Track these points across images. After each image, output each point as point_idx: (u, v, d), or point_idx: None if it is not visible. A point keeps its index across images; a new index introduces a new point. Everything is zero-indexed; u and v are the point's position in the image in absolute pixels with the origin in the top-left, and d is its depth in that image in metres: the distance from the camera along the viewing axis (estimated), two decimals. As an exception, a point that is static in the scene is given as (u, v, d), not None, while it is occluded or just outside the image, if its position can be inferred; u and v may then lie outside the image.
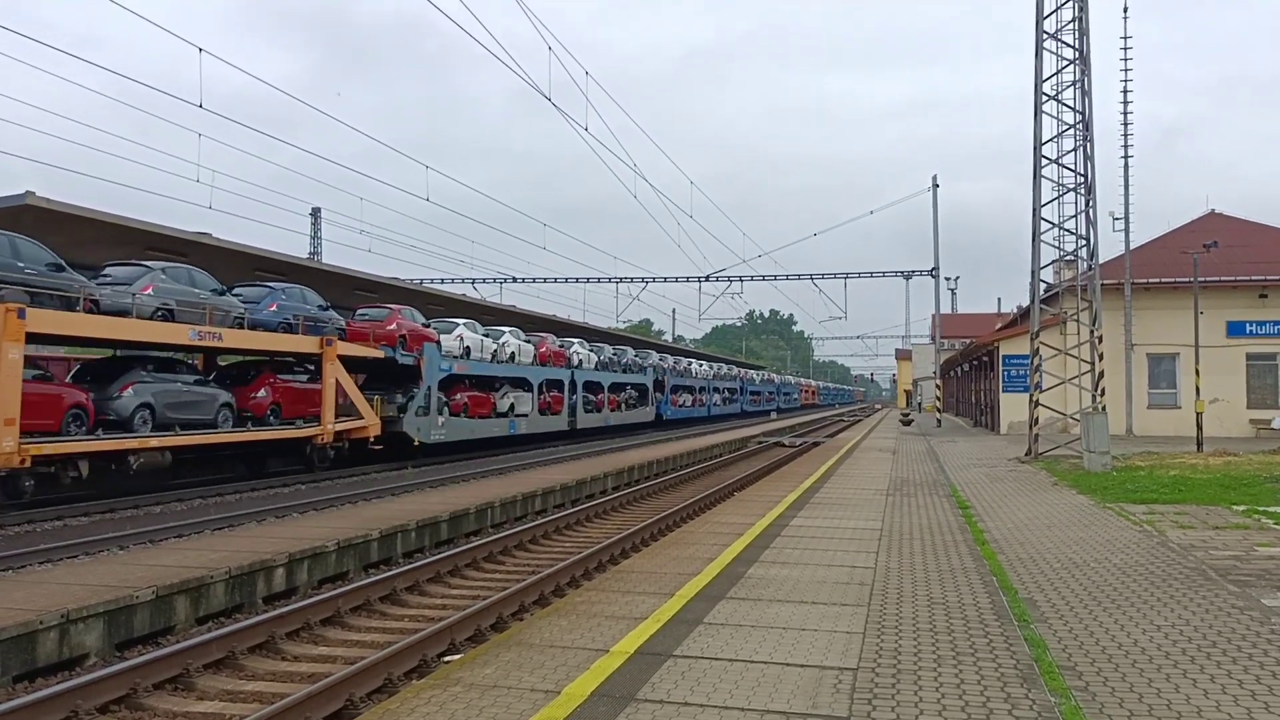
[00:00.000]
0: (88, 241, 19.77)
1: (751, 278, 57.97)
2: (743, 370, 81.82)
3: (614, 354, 45.22)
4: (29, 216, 17.77)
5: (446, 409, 27.60)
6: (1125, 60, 35.30)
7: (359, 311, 26.83)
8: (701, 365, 65.11)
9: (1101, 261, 26.12)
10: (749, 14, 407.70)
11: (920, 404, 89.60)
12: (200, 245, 21.71)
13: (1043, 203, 25.10)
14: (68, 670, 8.18)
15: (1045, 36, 24.98)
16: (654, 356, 52.10)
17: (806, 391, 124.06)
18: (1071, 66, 24.83)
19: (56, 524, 14.68)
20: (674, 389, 55.60)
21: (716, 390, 67.52)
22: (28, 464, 14.78)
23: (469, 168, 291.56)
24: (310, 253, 58.06)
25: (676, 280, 59.16)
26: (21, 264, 15.80)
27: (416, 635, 8.66)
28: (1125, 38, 35.09)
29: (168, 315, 18.60)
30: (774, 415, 78.99)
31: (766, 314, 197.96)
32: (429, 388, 26.33)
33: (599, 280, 59.85)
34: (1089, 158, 24.68)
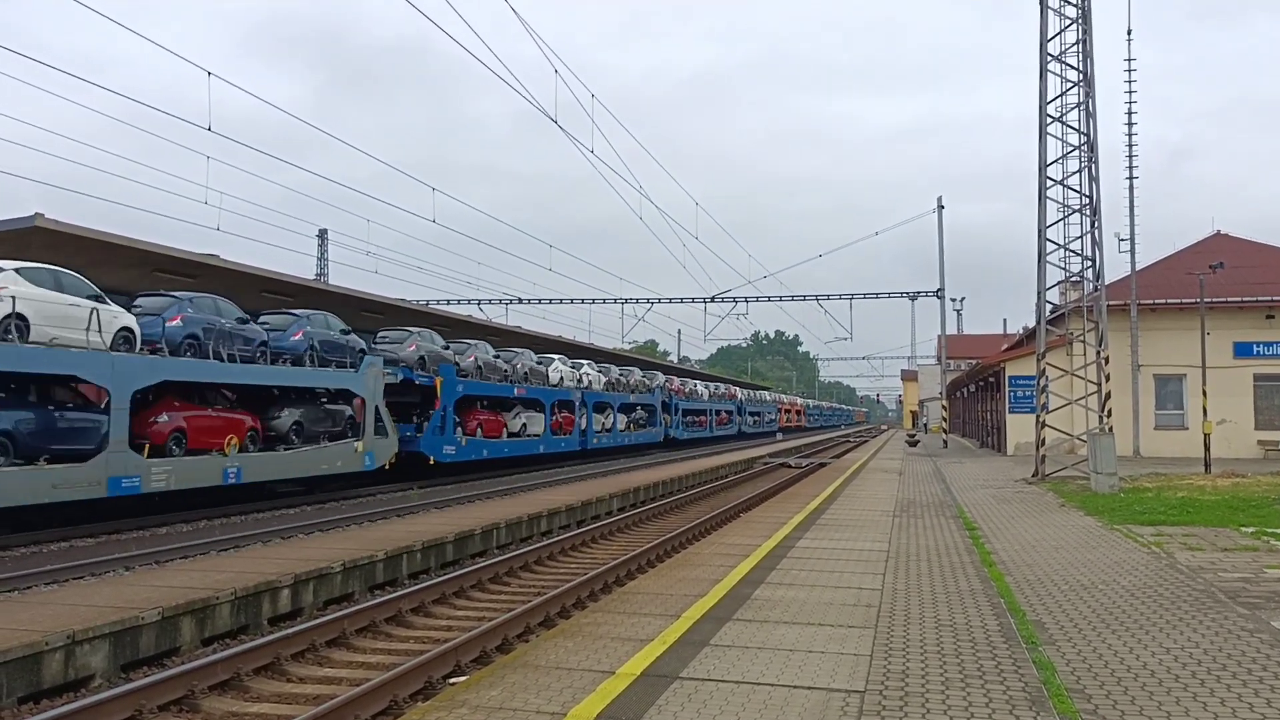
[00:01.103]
0: (96, 263, 19.87)
1: (757, 298, 58.14)
2: (676, 380, 55.44)
3: (237, 323, 20.22)
4: (38, 239, 17.87)
5: None
6: (1129, 82, 35.44)
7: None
8: (581, 366, 39.73)
9: (1107, 282, 26.11)
10: (754, 38, 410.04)
11: (926, 425, 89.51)
12: (208, 267, 21.80)
13: (1048, 224, 25.16)
14: (73, 691, 8.16)
15: (1049, 59, 25.11)
16: (413, 341, 27.65)
17: (788, 411, 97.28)
18: (1075, 89, 24.95)
19: (63, 545, 14.69)
20: (473, 403, 30.01)
21: (609, 407, 41.51)
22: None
23: (475, 190, 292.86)
24: (317, 274, 58.36)
25: (682, 301, 59.40)
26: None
27: (422, 657, 8.63)
28: (1129, 60, 35.25)
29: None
30: (780, 437, 78.29)
31: (772, 335, 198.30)
32: None
33: (605, 301, 60.05)
34: (1094, 179, 24.75)
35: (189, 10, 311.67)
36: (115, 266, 20.19)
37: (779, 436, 78.66)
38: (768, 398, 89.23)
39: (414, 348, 27.20)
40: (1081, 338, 25.91)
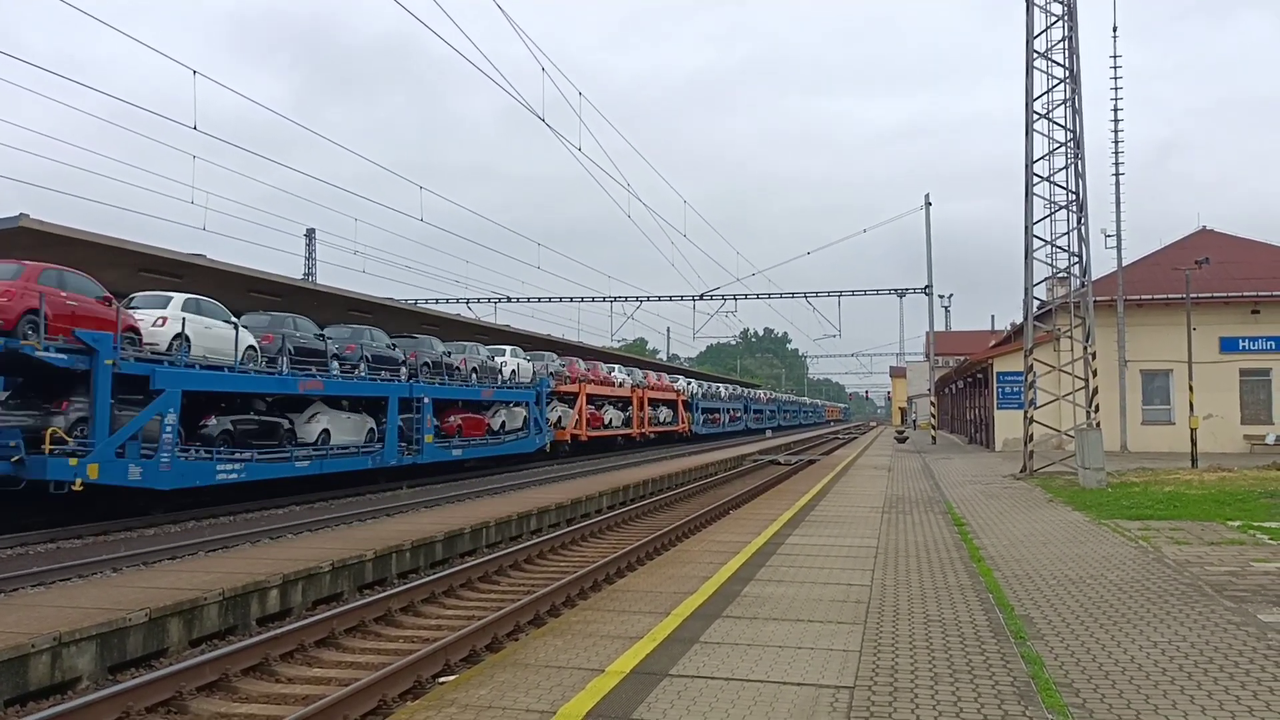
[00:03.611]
0: (81, 264, 19.75)
1: (745, 296, 58.15)
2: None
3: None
4: (23, 239, 17.77)
5: None
6: (1115, 80, 35.56)
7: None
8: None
9: (1094, 278, 26.21)
10: (751, 38, 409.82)
11: (915, 421, 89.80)
12: (195, 267, 21.71)
13: (1035, 220, 25.24)
14: (60, 694, 8.12)
15: (1036, 56, 25.17)
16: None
17: (615, 399, 46.23)
18: (1062, 85, 25.02)
19: (50, 546, 14.60)
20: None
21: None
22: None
23: (463, 189, 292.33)
24: (305, 274, 58.10)
25: (671, 299, 59.33)
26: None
27: (411, 656, 8.62)
28: (1115, 57, 35.37)
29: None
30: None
31: (761, 332, 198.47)
32: None
33: (594, 300, 60.03)
34: (1080, 175, 24.83)
35: (167, 8, 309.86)
36: (101, 267, 20.08)
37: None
38: (520, 365, 34.89)
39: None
40: (1069, 333, 26.00)
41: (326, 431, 22.63)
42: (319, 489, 22.54)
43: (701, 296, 57.68)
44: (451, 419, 28.71)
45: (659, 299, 59.54)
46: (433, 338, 29.51)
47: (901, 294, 56.27)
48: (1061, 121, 24.95)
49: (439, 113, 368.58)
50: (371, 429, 24.29)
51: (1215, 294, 34.45)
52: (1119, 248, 35.87)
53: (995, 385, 38.69)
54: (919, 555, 11.59)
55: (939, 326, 63.59)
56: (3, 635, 8.11)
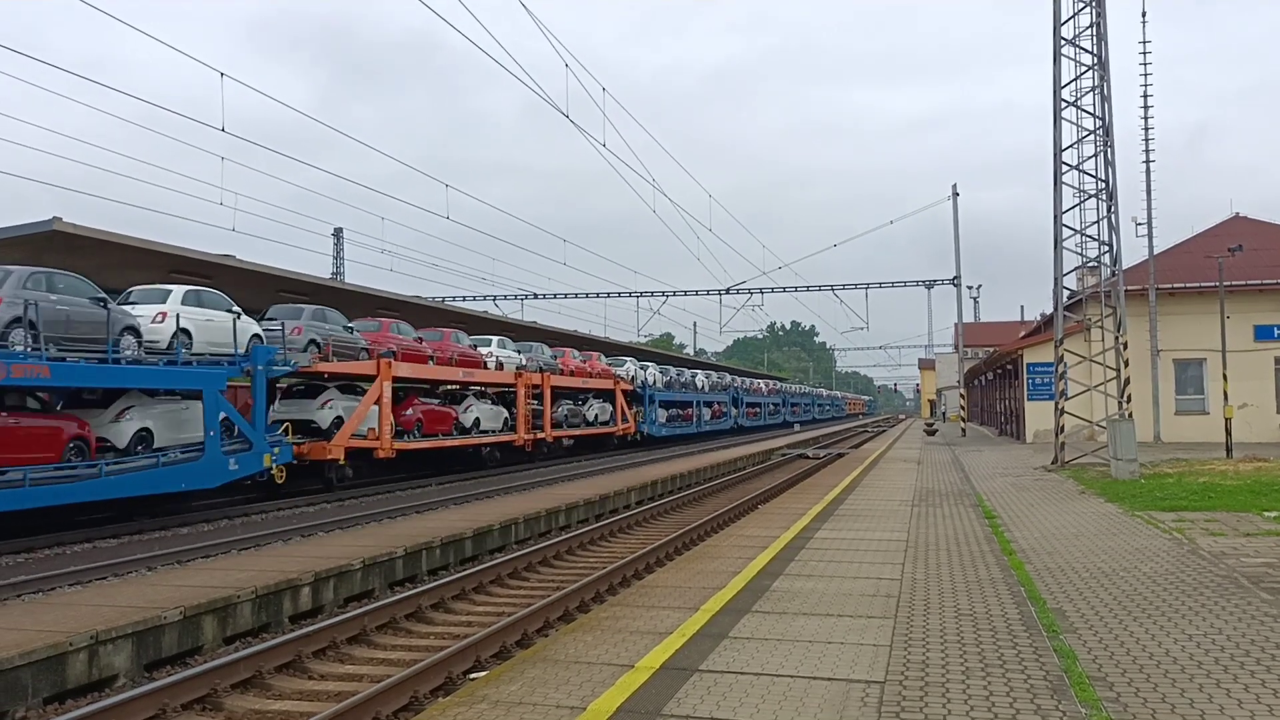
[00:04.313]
0: (113, 265, 20.00)
1: (772, 290, 58.02)
2: None
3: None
4: (56, 242, 18.01)
5: None
6: (1145, 65, 35.06)
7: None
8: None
9: (1125, 267, 25.92)
10: (774, 29, 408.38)
11: (945, 413, 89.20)
12: (225, 267, 21.92)
13: (1064, 209, 24.98)
14: (97, 691, 8.24)
15: (1063, 43, 24.90)
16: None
17: None
18: (1090, 72, 24.73)
19: (86, 546, 14.80)
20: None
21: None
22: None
23: (488, 186, 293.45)
24: (333, 273, 58.55)
25: (697, 294, 59.33)
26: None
27: (442, 653, 8.67)
28: (1144, 42, 34.89)
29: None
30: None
31: (788, 326, 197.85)
32: None
33: (620, 295, 60.06)
34: (1110, 163, 24.55)
35: (189, 9, 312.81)
36: (132, 268, 20.32)
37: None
38: (205, 321, 18.57)
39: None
40: (1100, 323, 25.72)
41: None
42: None
43: (728, 290, 57.67)
44: None
45: (685, 294, 59.56)
46: None
47: (930, 286, 55.96)
48: (1090, 109, 24.68)
49: (461, 109, 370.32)
50: None
51: (1249, 281, 33.97)
52: (1150, 235, 35.44)
53: (1025, 376, 38.35)
54: (949, 549, 11.52)
55: (968, 317, 63.22)
56: (41, 634, 8.24)
